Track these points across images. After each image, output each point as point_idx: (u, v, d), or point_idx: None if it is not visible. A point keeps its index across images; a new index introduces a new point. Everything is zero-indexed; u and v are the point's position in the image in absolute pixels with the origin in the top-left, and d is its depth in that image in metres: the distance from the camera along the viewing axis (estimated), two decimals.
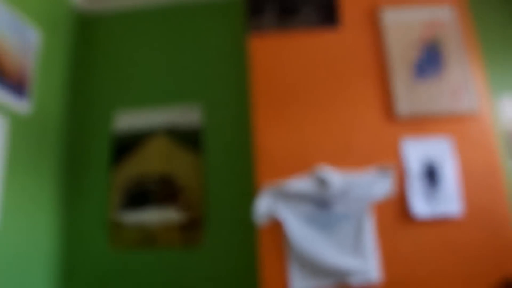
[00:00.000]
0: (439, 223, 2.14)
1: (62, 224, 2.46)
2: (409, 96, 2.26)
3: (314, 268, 2.03)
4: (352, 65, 2.33)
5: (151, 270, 2.39)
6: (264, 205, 2.08)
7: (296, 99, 2.25)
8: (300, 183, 2.11)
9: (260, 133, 2.20)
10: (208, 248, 2.40)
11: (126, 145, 2.55)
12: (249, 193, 2.22)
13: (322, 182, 2.11)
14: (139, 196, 2.46)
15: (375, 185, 2.13)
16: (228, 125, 2.58)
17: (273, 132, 2.20)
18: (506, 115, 2.75)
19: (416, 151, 2.19)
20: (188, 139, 2.55)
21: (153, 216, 2.43)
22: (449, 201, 2.15)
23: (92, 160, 2.57)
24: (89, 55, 2.78)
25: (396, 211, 2.13)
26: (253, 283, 2.10)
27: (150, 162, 2.51)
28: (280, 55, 2.33)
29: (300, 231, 2.06)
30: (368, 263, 2.03)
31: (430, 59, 2.34)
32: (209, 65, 2.71)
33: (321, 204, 2.10)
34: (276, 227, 2.09)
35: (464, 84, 2.31)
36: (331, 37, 2.38)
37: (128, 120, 2.60)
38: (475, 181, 2.22)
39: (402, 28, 2.37)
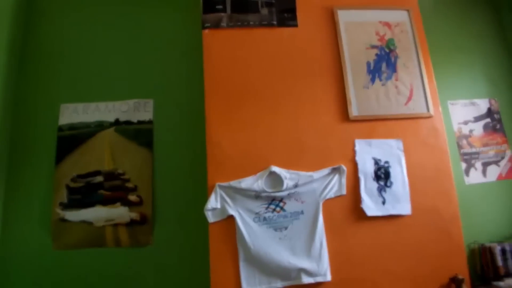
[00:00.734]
0: (390, 223, 2.18)
1: None
2: (362, 98, 2.29)
3: (265, 268, 2.00)
4: (308, 65, 2.34)
5: (97, 271, 2.27)
6: (215, 203, 2.03)
7: (250, 97, 2.23)
8: (253, 182, 2.07)
9: (212, 130, 2.15)
10: (158, 247, 2.32)
11: (72, 140, 2.41)
12: (200, 191, 2.16)
13: (275, 181, 2.09)
14: (85, 193, 2.34)
15: (328, 184, 2.13)
16: (180, 121, 2.51)
17: (226, 129, 2.16)
18: (455, 119, 2.84)
19: (368, 152, 2.22)
20: (138, 135, 2.45)
21: (100, 214, 2.31)
22: (399, 201, 2.19)
23: (35, 156, 2.41)
24: (35, 47, 2.61)
25: (348, 210, 2.15)
26: (205, 283, 2.03)
27: (98, 158, 2.39)
28: (235, 52, 2.29)
29: (251, 230, 2.03)
30: (320, 263, 2.03)
31: (383, 62, 2.37)
32: (162, 60, 2.62)
33: (273, 203, 2.07)
34: (227, 226, 2.05)
35: (416, 87, 2.36)
36: (288, 36, 2.37)
37: (75, 114, 2.46)
38: (425, 182, 2.28)
39: (358, 29, 2.40)
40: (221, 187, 2.06)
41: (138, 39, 2.66)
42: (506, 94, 3.05)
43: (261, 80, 2.27)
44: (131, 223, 2.32)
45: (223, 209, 2.04)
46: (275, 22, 2.36)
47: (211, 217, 2.04)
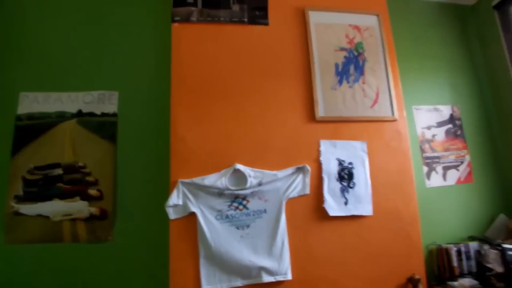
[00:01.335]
0: (351, 223, 2.21)
1: None
2: (329, 99, 2.31)
3: (226, 266, 1.99)
4: (277, 64, 2.33)
5: (53, 267, 2.18)
6: (177, 200, 2.00)
7: (218, 94, 2.20)
8: (217, 179, 2.05)
9: (177, 125, 2.12)
10: (118, 244, 2.26)
11: (31, 131, 2.31)
12: (163, 187, 2.12)
13: (239, 179, 2.07)
14: (43, 186, 2.24)
15: (292, 183, 2.14)
16: (146, 115, 2.44)
17: (191, 125, 2.13)
18: (419, 123, 2.92)
19: (333, 153, 2.24)
20: (102, 128, 2.37)
21: (58, 209, 2.23)
22: (361, 201, 2.22)
23: None
24: None
25: (311, 210, 2.16)
26: (164, 280, 1.99)
27: (58, 150, 2.30)
28: (204, 47, 2.26)
29: (213, 227, 2.01)
30: (281, 261, 2.03)
31: (351, 65, 2.40)
32: (129, 52, 2.54)
33: (237, 201, 2.06)
34: (189, 223, 2.02)
35: (382, 91, 2.40)
36: (258, 35, 2.36)
37: (35, 104, 2.36)
38: (387, 184, 2.32)
39: (328, 30, 2.41)
40: (183, 183, 2.03)
41: (106, 30, 2.57)
42: (467, 102, 3.16)
43: (229, 77, 2.24)
44: (91, 218, 2.25)
45: (185, 206, 2.01)
46: (246, 20, 2.34)
47: (172, 214, 2.00)
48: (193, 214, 2.02)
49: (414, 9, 3.25)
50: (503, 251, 2.29)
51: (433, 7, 3.32)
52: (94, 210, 2.26)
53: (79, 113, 2.39)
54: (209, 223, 2.01)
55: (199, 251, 1.99)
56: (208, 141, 2.13)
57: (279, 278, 2.02)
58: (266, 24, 2.37)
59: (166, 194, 2.04)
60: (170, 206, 2.00)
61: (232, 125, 2.17)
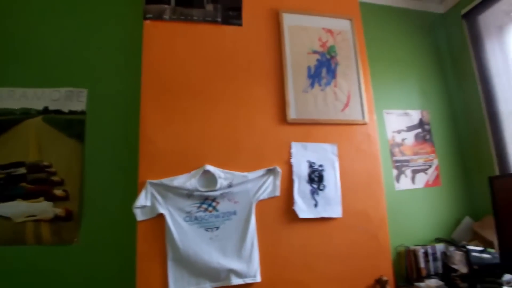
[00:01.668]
0: (321, 225, 2.22)
1: None
2: (301, 101, 2.32)
3: (194, 269, 1.96)
4: (250, 65, 2.33)
5: (15, 270, 2.10)
6: (145, 201, 1.96)
7: (189, 93, 2.18)
8: (186, 180, 2.02)
9: (147, 125, 2.08)
10: (84, 245, 2.20)
11: None
12: (132, 188, 2.07)
13: (209, 180, 2.05)
14: (5, 186, 2.16)
15: (262, 185, 2.13)
16: (115, 114, 2.39)
17: (161, 125, 2.09)
18: (389, 127, 2.97)
19: (303, 155, 2.26)
20: (69, 126, 2.30)
21: (20, 209, 2.15)
22: (331, 204, 2.24)
23: None
24: None
25: (281, 212, 2.17)
26: (131, 283, 1.94)
27: (22, 148, 2.22)
28: (176, 46, 2.23)
29: (181, 229, 1.98)
30: (251, 264, 2.02)
31: (323, 68, 2.42)
32: (99, 49, 2.48)
33: (206, 202, 2.04)
34: (157, 224, 1.98)
35: (353, 95, 2.43)
36: (232, 35, 2.35)
37: None
38: (356, 186, 2.35)
39: (301, 33, 2.43)
40: (152, 184, 1.99)
41: (75, 25, 2.49)
42: (436, 107, 3.24)
43: (201, 76, 2.22)
44: (55, 219, 2.18)
45: (153, 207, 1.97)
46: (219, 19, 2.32)
47: (140, 215, 1.96)
48: (161, 216, 1.98)
49: (386, 15, 3.32)
50: (467, 253, 2.35)
51: (405, 14, 3.40)
52: (59, 211, 2.19)
53: (45, 110, 2.31)
54: (178, 225, 1.98)
55: (167, 253, 1.95)
56: (178, 141, 2.09)
57: (248, 280, 2.01)
58: (240, 24, 2.36)
59: (134, 195, 1.99)
60: (138, 207, 1.96)
61: (202, 126, 2.15)
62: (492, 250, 2.40)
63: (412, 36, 3.36)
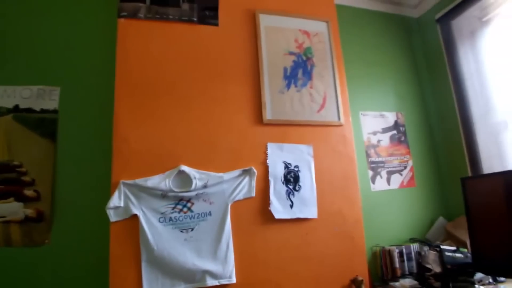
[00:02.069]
0: (297, 226, 2.23)
1: None
2: (277, 102, 2.32)
3: (169, 270, 1.94)
4: (226, 65, 2.32)
5: None
6: (118, 202, 1.92)
7: (164, 93, 2.15)
8: (160, 180, 2.00)
9: (120, 124, 2.04)
10: (56, 247, 2.15)
11: None
12: (105, 188, 2.02)
13: (184, 181, 2.03)
14: None
15: (238, 186, 2.13)
16: (88, 113, 2.35)
17: (135, 124, 2.06)
18: (365, 129, 3.01)
19: (279, 156, 2.26)
20: (41, 125, 2.25)
21: None
22: (307, 204, 2.25)
23: None
24: None
25: (257, 213, 2.16)
26: (105, 286, 1.91)
27: None
28: (151, 45, 2.20)
29: (155, 230, 1.95)
30: (226, 265, 2.01)
31: (300, 69, 2.43)
32: (72, 47, 2.43)
33: (181, 203, 2.02)
34: (130, 225, 1.95)
35: (329, 96, 2.44)
36: (208, 35, 2.33)
37: None
38: (332, 187, 2.36)
39: (277, 34, 2.43)
40: (125, 184, 1.96)
41: (48, 22, 2.44)
42: (411, 109, 3.31)
43: (177, 76, 2.19)
44: (26, 221, 2.13)
45: (126, 208, 1.94)
46: (195, 19, 2.31)
47: (113, 216, 1.92)
48: (135, 217, 1.95)
49: (363, 18, 3.37)
50: (441, 252, 2.39)
51: (381, 17, 3.45)
52: (30, 211, 2.14)
53: (16, 109, 2.25)
54: (152, 226, 1.95)
55: (141, 254, 1.92)
56: (152, 141, 2.06)
57: (224, 281, 1.99)
58: (216, 24, 2.35)
59: (108, 196, 1.95)
60: (111, 208, 1.92)
61: (178, 126, 2.12)
62: (464, 250, 2.45)
63: (388, 39, 3.42)
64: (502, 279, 2.29)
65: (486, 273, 2.26)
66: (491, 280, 2.30)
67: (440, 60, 3.29)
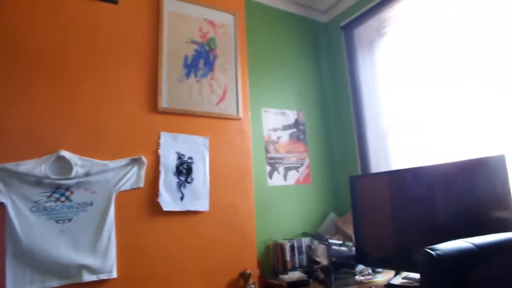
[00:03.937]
0: (187, 219, 2.18)
1: None
2: (174, 91, 2.24)
3: (39, 265, 1.76)
4: (122, 47, 2.17)
5: None
6: None
7: (47, 70, 1.94)
8: (35, 165, 1.80)
9: None
10: None
11: None
12: None
13: (63, 167, 1.86)
14: None
15: (125, 175, 2.01)
16: None
17: (10, 102, 1.83)
18: (266, 125, 3.07)
19: (173, 146, 2.19)
20: None
21: None
22: (198, 197, 2.21)
23: None
24: None
25: (144, 204, 2.07)
26: None
27: None
28: (36, 16, 1.95)
29: (26, 221, 1.76)
30: (106, 259, 1.89)
31: (201, 59, 2.38)
32: None
33: (58, 191, 1.84)
34: None
35: (230, 89, 2.43)
36: (104, 13, 2.15)
37: None
38: (226, 180, 2.36)
39: (181, 21, 2.35)
40: None
41: None
42: (311, 108, 3.45)
43: (65, 53, 1.99)
44: None
45: None
46: None
47: None
48: (1, 206, 1.73)
49: (273, 16, 3.42)
50: (328, 246, 2.52)
51: (290, 18, 3.54)
52: None
53: None
54: (22, 216, 1.75)
55: (6, 248, 1.71)
56: (29, 121, 1.83)
57: (103, 276, 1.87)
58: (115, 2, 2.18)
59: None
60: None
61: (60, 106, 1.92)
62: (349, 244, 2.62)
63: (295, 40, 3.52)
64: (379, 270, 2.49)
65: (366, 265, 2.45)
66: (370, 271, 2.49)
67: (341, 65, 3.48)
